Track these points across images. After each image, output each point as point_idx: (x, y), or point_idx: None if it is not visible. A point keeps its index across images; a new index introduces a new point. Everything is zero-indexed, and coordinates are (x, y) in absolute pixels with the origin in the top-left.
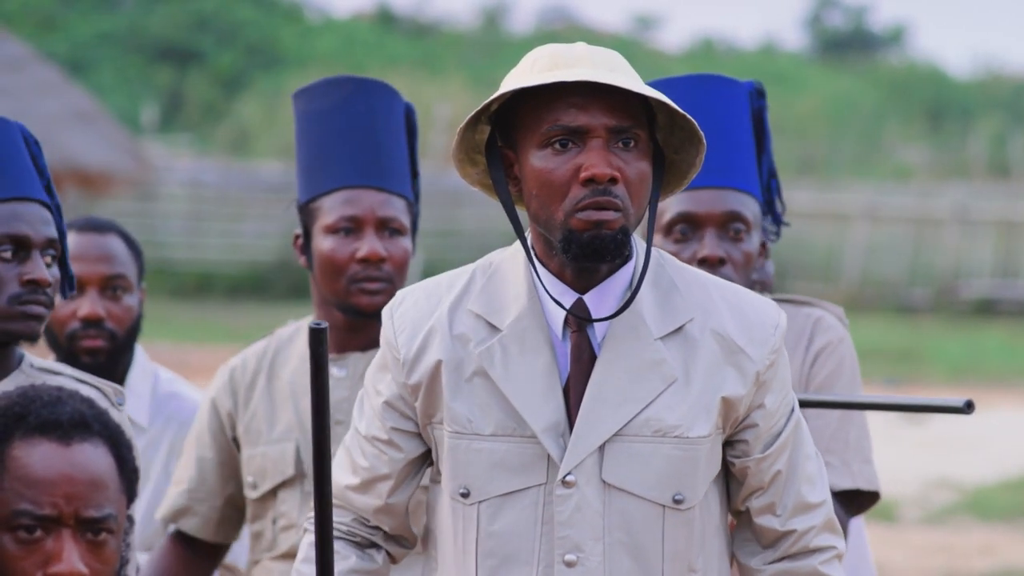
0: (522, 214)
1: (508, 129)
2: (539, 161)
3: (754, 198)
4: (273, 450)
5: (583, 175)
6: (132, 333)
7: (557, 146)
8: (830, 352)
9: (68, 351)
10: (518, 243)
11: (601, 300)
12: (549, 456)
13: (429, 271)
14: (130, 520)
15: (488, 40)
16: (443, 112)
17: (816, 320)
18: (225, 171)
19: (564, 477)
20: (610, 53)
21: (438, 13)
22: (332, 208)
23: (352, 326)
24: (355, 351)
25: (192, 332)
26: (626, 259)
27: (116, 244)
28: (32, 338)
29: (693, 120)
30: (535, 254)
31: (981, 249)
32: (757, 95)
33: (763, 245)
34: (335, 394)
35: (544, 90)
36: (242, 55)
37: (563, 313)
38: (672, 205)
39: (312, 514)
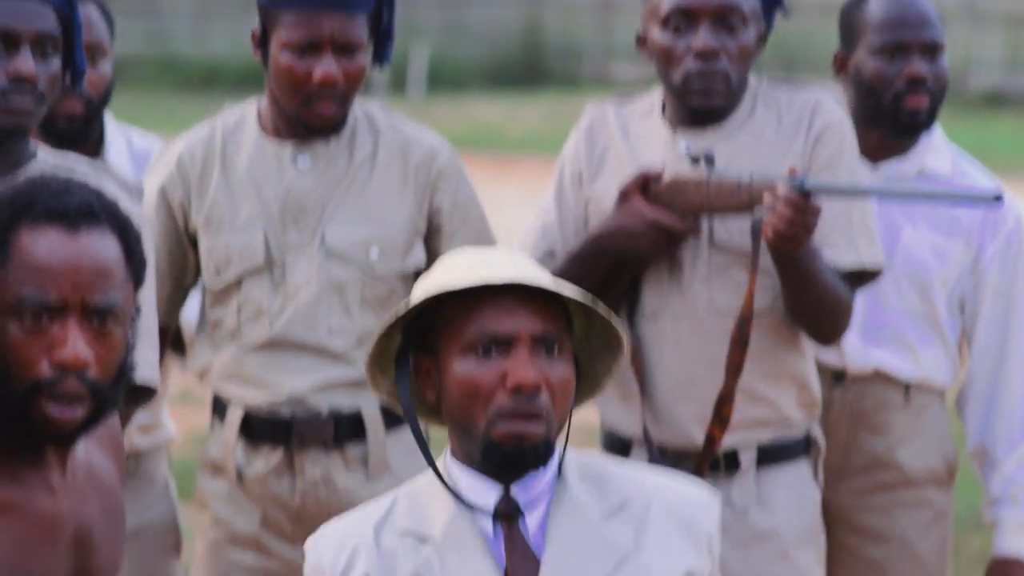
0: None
1: (426, 334)
2: (462, 367)
3: None
4: (238, 239)
5: (510, 383)
6: (106, 97)
7: (481, 353)
8: (832, 133)
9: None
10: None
11: (528, 491)
12: None
13: (435, 65)
14: (137, 309)
15: None
16: None
17: (815, 103)
18: None
19: None
20: (527, 257)
21: None
22: (291, 26)
23: None
24: (318, 140)
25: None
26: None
27: (91, 12)
28: (18, 133)
29: (615, 324)
30: (457, 454)
31: (990, 46)
32: None
33: (762, 38)
34: (301, 184)
35: (468, 293)
36: None
37: (490, 509)
38: None
39: None
